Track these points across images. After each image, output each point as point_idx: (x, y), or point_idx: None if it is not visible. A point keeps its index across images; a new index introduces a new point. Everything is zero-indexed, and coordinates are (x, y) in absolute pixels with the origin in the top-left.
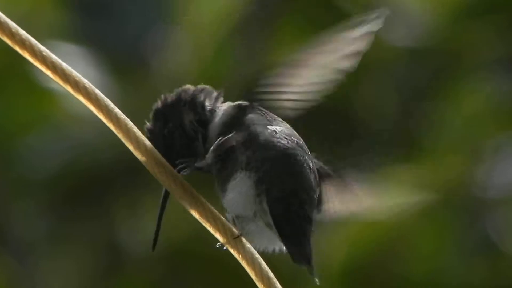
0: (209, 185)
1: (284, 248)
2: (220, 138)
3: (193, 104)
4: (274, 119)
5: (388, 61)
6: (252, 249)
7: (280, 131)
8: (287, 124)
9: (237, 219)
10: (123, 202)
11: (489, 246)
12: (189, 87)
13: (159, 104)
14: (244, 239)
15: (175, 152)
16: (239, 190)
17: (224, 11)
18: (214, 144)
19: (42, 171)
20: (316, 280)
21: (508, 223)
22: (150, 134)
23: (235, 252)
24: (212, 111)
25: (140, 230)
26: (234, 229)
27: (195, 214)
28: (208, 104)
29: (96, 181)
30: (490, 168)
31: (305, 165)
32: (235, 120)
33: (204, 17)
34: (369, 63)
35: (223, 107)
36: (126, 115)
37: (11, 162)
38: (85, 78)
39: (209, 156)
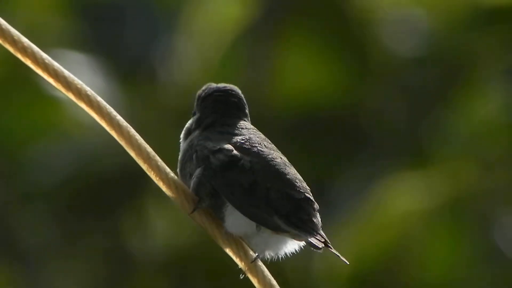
0: None
1: (296, 244)
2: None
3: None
4: (238, 128)
5: (397, 70)
6: (252, 254)
7: (249, 139)
8: (253, 130)
9: (243, 238)
10: (130, 208)
11: (498, 253)
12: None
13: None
14: (245, 247)
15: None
16: (237, 214)
17: (230, 21)
18: (193, 185)
19: (50, 178)
20: (345, 260)
21: None
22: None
23: (238, 259)
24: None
25: (146, 236)
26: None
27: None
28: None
29: (103, 188)
30: (498, 176)
31: (287, 164)
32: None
33: (210, 27)
34: (378, 72)
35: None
36: (133, 123)
37: (19, 170)
38: (93, 86)
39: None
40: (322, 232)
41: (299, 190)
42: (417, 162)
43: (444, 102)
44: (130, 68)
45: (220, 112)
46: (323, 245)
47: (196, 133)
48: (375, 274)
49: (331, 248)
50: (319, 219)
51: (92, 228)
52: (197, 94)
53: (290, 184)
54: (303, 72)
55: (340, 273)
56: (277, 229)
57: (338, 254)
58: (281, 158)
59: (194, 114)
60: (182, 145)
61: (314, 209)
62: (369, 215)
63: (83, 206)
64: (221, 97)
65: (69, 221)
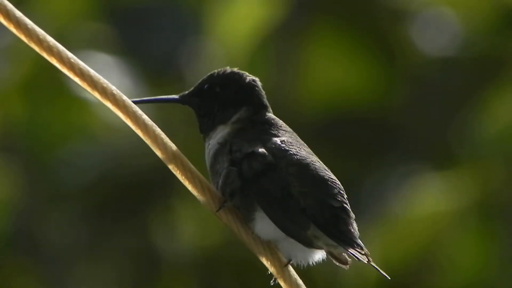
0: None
1: (324, 255)
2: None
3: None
4: (278, 128)
5: (426, 70)
6: (280, 256)
7: (286, 141)
8: (291, 133)
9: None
10: (159, 209)
11: None
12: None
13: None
14: (273, 248)
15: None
16: (267, 220)
17: (258, 22)
18: (221, 185)
19: (79, 180)
20: (385, 274)
21: None
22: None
23: (264, 259)
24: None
25: (174, 238)
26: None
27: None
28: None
29: (131, 190)
30: None
31: (326, 169)
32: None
33: (237, 28)
34: (407, 72)
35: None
36: (161, 125)
37: (48, 172)
38: (121, 87)
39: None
40: (361, 243)
41: (336, 198)
42: (446, 163)
43: (473, 103)
44: (158, 70)
45: (254, 104)
46: (366, 259)
47: (229, 125)
48: (404, 276)
49: (371, 261)
50: (356, 228)
51: (120, 229)
52: (221, 76)
53: (328, 190)
54: (332, 73)
55: (368, 276)
56: (309, 245)
57: (378, 269)
58: (318, 161)
59: (209, 90)
60: (211, 136)
61: (350, 217)
62: (397, 217)
63: (112, 207)
64: (255, 86)
65: (97, 222)
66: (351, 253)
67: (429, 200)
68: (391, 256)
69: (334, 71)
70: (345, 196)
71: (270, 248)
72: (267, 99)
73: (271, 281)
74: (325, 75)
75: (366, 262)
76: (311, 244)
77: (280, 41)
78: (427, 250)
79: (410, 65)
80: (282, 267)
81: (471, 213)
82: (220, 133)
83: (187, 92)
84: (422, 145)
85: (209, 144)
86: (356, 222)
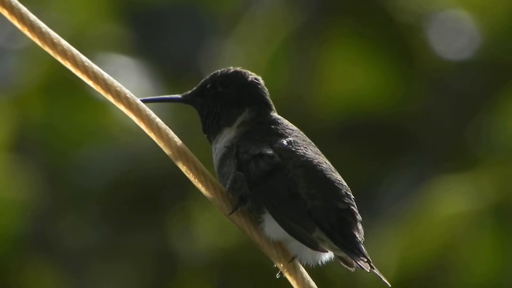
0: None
1: (333, 256)
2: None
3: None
4: (284, 128)
5: (444, 73)
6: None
7: (293, 142)
8: (297, 131)
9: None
10: (176, 212)
11: None
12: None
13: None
14: (285, 249)
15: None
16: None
17: (277, 25)
18: (229, 188)
19: (96, 182)
20: (386, 281)
21: None
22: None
23: (276, 261)
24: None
25: (191, 239)
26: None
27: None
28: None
29: (149, 191)
30: None
31: (332, 169)
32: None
33: (257, 31)
34: (425, 75)
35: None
36: (179, 127)
37: (66, 174)
38: (140, 89)
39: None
40: (364, 250)
41: (343, 200)
42: (463, 165)
43: (490, 105)
44: (177, 71)
45: (258, 103)
46: (369, 267)
47: (235, 128)
48: (421, 278)
49: (374, 268)
50: (362, 233)
51: (138, 231)
52: (224, 75)
53: (335, 192)
54: (350, 76)
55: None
56: (314, 247)
57: (380, 275)
58: (326, 163)
59: (211, 90)
60: (218, 139)
61: (357, 221)
62: (414, 219)
63: (129, 209)
64: (257, 85)
65: (115, 223)
66: (355, 261)
67: (447, 202)
68: (409, 258)
69: (352, 74)
70: (352, 197)
71: (283, 250)
72: (284, 102)
73: (277, 274)
74: (344, 79)
75: (368, 271)
76: (316, 246)
77: (300, 44)
78: (445, 252)
79: (427, 68)
80: (293, 264)
81: (489, 215)
82: (226, 137)
83: (189, 91)
84: (440, 148)
85: (215, 148)
86: (374, 224)
